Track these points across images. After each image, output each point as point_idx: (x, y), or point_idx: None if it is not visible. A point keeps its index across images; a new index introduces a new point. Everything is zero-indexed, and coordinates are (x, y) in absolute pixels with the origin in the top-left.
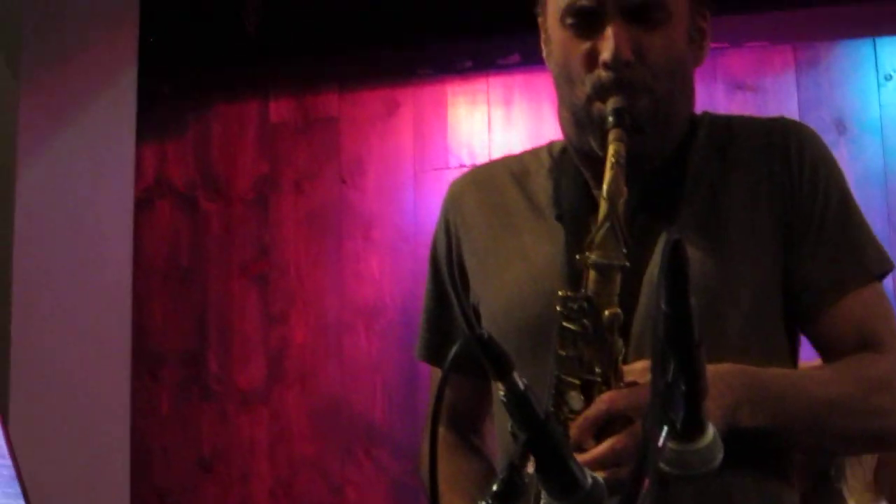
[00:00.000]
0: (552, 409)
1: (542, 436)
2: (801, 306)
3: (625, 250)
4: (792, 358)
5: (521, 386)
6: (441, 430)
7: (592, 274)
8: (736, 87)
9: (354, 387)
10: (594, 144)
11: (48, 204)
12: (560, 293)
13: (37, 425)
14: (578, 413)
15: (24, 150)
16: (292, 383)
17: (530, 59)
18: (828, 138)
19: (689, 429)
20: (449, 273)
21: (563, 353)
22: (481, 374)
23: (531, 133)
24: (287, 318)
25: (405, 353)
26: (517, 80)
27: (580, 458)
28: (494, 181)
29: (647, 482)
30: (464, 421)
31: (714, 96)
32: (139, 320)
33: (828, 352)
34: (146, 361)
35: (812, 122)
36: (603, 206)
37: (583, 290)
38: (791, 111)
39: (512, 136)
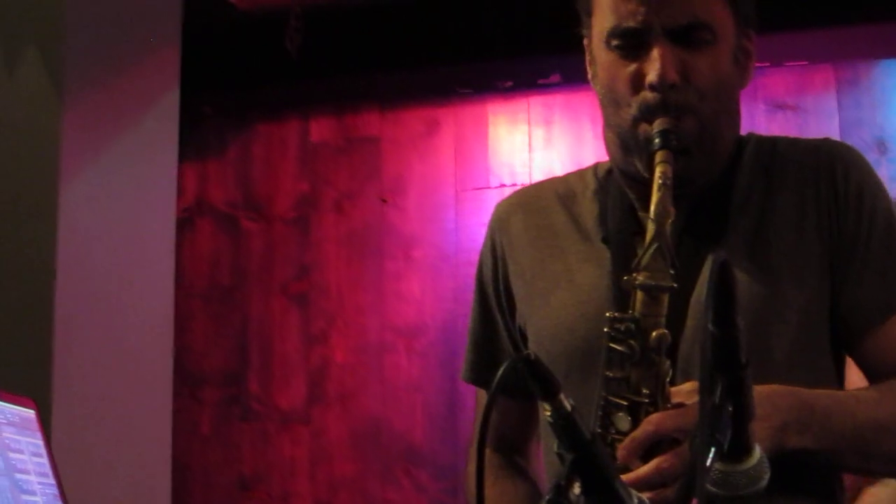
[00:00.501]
0: (599, 430)
1: (588, 456)
2: (847, 329)
3: (672, 272)
4: (838, 381)
5: (568, 407)
6: (488, 453)
7: (640, 295)
8: (776, 106)
9: (395, 407)
10: (640, 166)
11: (91, 224)
12: (608, 314)
13: (79, 445)
14: (625, 434)
15: (67, 170)
16: (332, 403)
17: (571, 78)
18: (869, 158)
19: (736, 450)
20: (495, 295)
21: (610, 374)
22: (527, 396)
23: (572, 152)
24: (327, 338)
25: (445, 373)
26: (558, 99)
27: (626, 477)
28: (540, 203)
29: (694, 503)
30: (510, 443)
31: (754, 116)
32: (180, 340)
33: (874, 374)
34: (187, 381)
35: (853, 142)
36: (650, 228)
37: (630, 312)
38: (832, 131)
39: (552, 156)
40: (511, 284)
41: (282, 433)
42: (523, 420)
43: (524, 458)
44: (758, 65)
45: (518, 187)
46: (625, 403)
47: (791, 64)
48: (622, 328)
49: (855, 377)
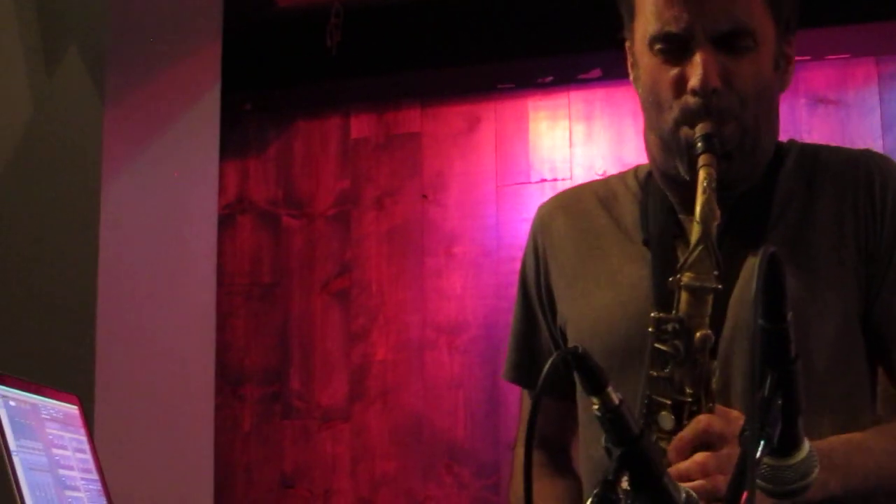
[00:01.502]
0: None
1: (636, 451)
2: (879, 340)
3: (716, 273)
4: (872, 390)
5: (616, 400)
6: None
7: (685, 296)
8: (818, 101)
9: (436, 404)
10: (681, 169)
11: (133, 221)
12: (653, 314)
13: (122, 442)
14: (669, 433)
15: (109, 168)
16: (374, 400)
17: (611, 73)
18: None
19: (785, 444)
20: (537, 296)
21: (654, 373)
22: (567, 395)
23: (612, 148)
24: (369, 335)
25: (487, 370)
26: (598, 94)
27: (672, 469)
28: (581, 205)
29: (745, 496)
30: (551, 441)
31: (796, 111)
32: (221, 338)
33: None
34: (229, 379)
35: (894, 136)
36: (696, 230)
37: (674, 312)
38: (874, 125)
39: (593, 151)
40: (553, 285)
41: (323, 430)
42: (564, 419)
43: (566, 456)
44: (799, 59)
45: (559, 182)
46: (668, 402)
47: (832, 58)
48: (668, 328)
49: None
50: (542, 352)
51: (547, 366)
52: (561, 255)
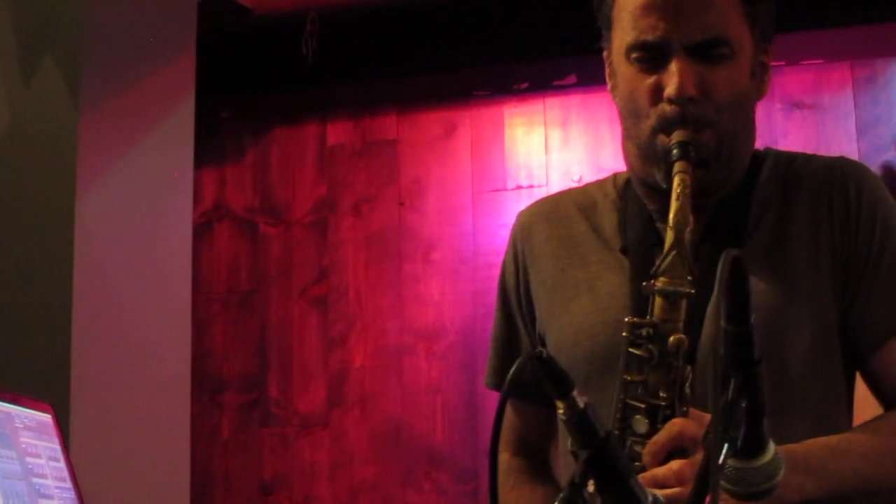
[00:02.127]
0: (617, 432)
1: (602, 453)
2: (856, 346)
3: (690, 278)
4: (848, 397)
5: (581, 404)
6: (508, 457)
7: (658, 300)
8: (793, 105)
9: (415, 410)
10: (658, 177)
11: (108, 229)
12: (627, 319)
13: (97, 450)
14: (643, 437)
15: (83, 177)
16: (352, 407)
17: (587, 79)
18: (886, 156)
19: (751, 446)
20: (517, 303)
21: (628, 377)
22: (547, 400)
23: (589, 153)
24: (347, 342)
25: (465, 376)
26: (574, 100)
27: (644, 476)
28: (561, 212)
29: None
30: (531, 447)
31: (772, 115)
32: (199, 345)
33: (881, 392)
34: (207, 386)
35: (870, 140)
36: (669, 235)
37: (649, 317)
38: (849, 129)
39: (569, 157)
40: (532, 292)
41: (302, 437)
42: (544, 425)
43: (545, 463)
44: (774, 63)
45: (535, 189)
46: (642, 406)
47: (808, 63)
48: (641, 333)
49: (862, 395)
50: None
51: (511, 372)
52: (540, 262)
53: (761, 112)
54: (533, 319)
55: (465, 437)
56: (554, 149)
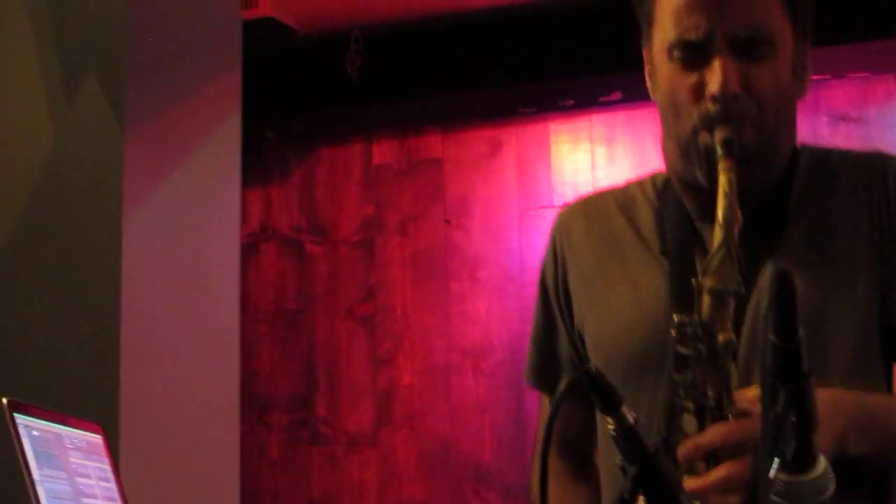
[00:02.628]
0: (664, 432)
1: (651, 470)
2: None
3: (739, 277)
4: (888, 391)
5: (630, 420)
6: (552, 458)
7: (707, 299)
8: (839, 118)
9: (462, 427)
10: (699, 175)
11: (155, 250)
12: (675, 317)
13: (147, 471)
14: (691, 437)
15: (130, 198)
16: (400, 425)
17: (631, 96)
18: None
19: (800, 460)
20: (556, 299)
21: (677, 377)
22: (590, 403)
23: (635, 169)
24: (394, 360)
25: (513, 393)
26: (619, 116)
27: (692, 482)
28: (601, 210)
29: None
30: (574, 449)
31: (817, 129)
32: (247, 365)
33: None
34: (255, 406)
35: None
36: (718, 233)
37: (696, 315)
38: (894, 142)
39: (615, 173)
40: (571, 288)
41: (350, 456)
42: (586, 426)
43: (588, 464)
44: (820, 77)
45: None
46: (690, 406)
47: (853, 76)
48: (690, 331)
49: None
50: (561, 355)
51: (559, 390)
52: (580, 258)
53: (807, 125)
54: (571, 314)
55: (512, 455)
56: (600, 165)
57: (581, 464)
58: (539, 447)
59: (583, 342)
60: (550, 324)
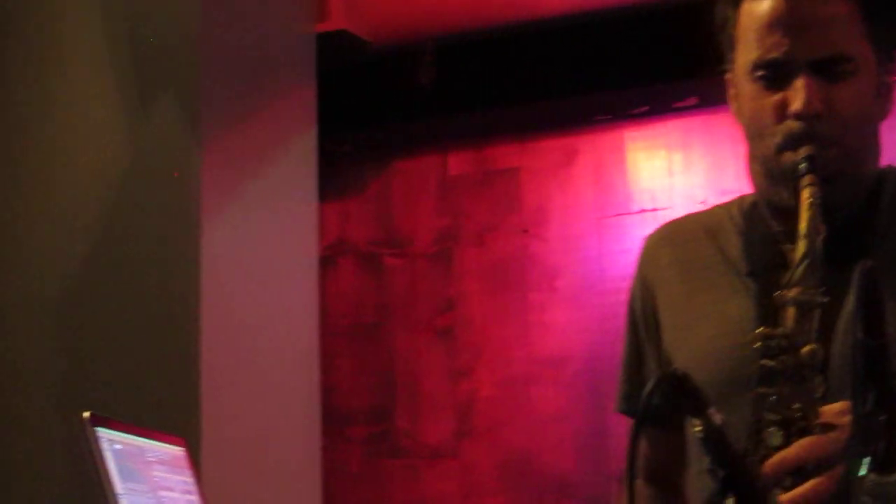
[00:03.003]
0: (752, 447)
1: (740, 471)
2: None
3: (822, 288)
4: None
5: (717, 421)
6: (640, 483)
7: (791, 311)
8: None
9: (543, 439)
10: (785, 195)
11: (233, 265)
12: (759, 330)
13: (229, 485)
14: (777, 450)
15: (207, 213)
16: (481, 437)
17: (707, 101)
18: None
19: (890, 460)
20: (645, 327)
21: (762, 390)
22: (678, 427)
23: (711, 175)
24: (473, 372)
25: (593, 403)
26: (695, 122)
27: (781, 497)
28: (687, 235)
29: None
30: (663, 475)
31: None
32: (325, 378)
33: None
34: (335, 420)
35: None
36: (801, 245)
37: (780, 328)
38: None
39: (693, 179)
40: (659, 316)
41: (431, 469)
42: (675, 452)
43: (677, 492)
44: None
45: (659, 212)
46: (777, 419)
47: None
48: (774, 344)
49: None
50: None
51: (647, 389)
52: (667, 286)
53: (893, 143)
54: (660, 343)
55: (594, 465)
56: (676, 172)
57: (672, 492)
58: (626, 468)
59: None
60: (639, 352)
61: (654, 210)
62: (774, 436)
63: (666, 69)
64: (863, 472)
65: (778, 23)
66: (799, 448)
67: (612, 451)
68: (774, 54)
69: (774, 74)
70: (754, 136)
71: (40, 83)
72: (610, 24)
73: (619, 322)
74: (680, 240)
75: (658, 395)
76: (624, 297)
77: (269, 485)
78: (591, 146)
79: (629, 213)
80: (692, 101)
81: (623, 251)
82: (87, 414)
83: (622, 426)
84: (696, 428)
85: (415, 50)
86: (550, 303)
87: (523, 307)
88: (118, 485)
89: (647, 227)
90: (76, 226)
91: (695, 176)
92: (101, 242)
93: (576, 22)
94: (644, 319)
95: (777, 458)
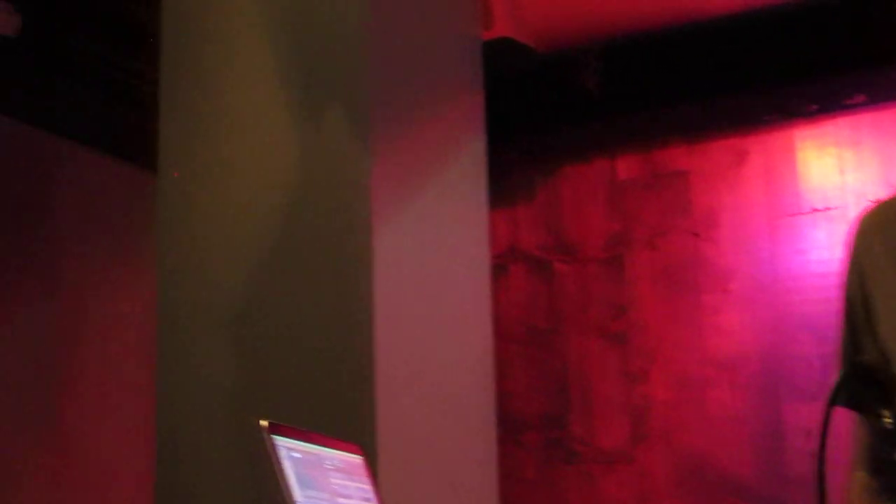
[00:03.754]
0: None
1: None
2: None
3: None
4: None
5: None
6: (864, 476)
7: None
8: None
9: (719, 441)
10: None
11: (406, 273)
12: None
13: (406, 493)
14: None
15: (378, 221)
16: (656, 441)
17: (876, 98)
18: None
19: None
20: (861, 312)
21: None
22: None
23: (883, 172)
24: (647, 376)
25: (769, 404)
26: (864, 119)
27: None
28: None
29: None
30: (889, 465)
31: None
32: (499, 385)
33: None
34: (509, 426)
35: None
36: None
37: None
38: None
39: (863, 177)
40: (875, 306)
41: (607, 474)
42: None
43: None
44: None
45: (832, 212)
46: None
47: None
48: None
49: None
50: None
51: (836, 383)
52: (881, 274)
53: None
54: (877, 333)
55: (771, 468)
56: (848, 170)
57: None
58: (855, 460)
59: (886, 360)
60: (856, 343)
61: (826, 209)
62: None
63: (833, 66)
64: None
65: None
66: None
67: (790, 454)
68: None
69: None
70: None
71: (215, 97)
72: (776, 21)
73: (793, 322)
74: (893, 225)
75: (850, 386)
76: (797, 298)
77: (445, 492)
78: (760, 146)
79: (801, 214)
80: (861, 98)
81: (795, 252)
82: (265, 422)
83: (799, 428)
84: (885, 419)
85: (580, 55)
86: (724, 305)
87: (696, 310)
88: (298, 493)
89: (819, 227)
90: (250, 235)
91: (866, 173)
92: (274, 251)
93: (740, 21)
94: (863, 307)
95: None
